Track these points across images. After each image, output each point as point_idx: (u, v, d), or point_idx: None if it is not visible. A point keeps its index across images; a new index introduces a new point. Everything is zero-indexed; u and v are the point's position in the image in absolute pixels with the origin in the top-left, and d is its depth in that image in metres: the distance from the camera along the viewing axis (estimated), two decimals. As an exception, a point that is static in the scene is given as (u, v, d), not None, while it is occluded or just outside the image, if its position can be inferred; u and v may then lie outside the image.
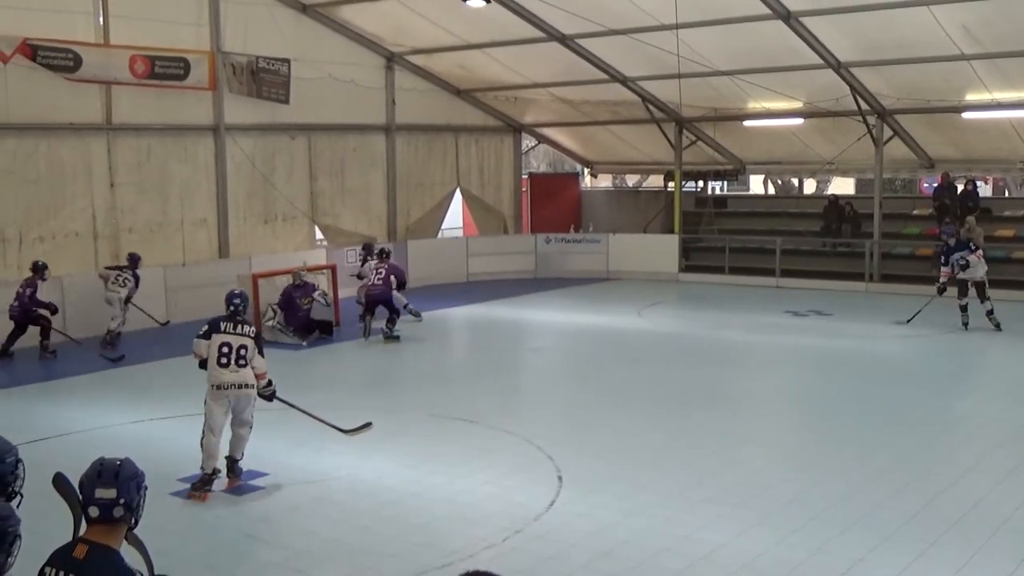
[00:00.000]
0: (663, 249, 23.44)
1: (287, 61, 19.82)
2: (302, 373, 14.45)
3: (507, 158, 25.82)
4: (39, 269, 15.20)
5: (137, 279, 16.34)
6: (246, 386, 8.81)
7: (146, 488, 3.99)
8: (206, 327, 8.88)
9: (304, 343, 15.82)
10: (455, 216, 27.50)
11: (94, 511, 3.84)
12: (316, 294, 16.48)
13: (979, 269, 15.89)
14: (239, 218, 19.90)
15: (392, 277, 16.11)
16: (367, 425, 10.02)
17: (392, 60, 22.40)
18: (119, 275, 16.23)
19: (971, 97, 19.31)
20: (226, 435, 9.03)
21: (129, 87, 17.71)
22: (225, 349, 8.74)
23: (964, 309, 16.04)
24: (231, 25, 19.21)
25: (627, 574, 7.05)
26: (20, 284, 15.13)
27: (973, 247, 15.96)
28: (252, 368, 8.82)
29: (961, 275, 15.92)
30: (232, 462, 9.04)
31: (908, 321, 15.87)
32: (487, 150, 25.28)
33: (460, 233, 28.14)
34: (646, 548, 7.48)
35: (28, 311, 14.94)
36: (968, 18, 16.43)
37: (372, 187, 22.64)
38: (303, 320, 16.23)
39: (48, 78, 16.61)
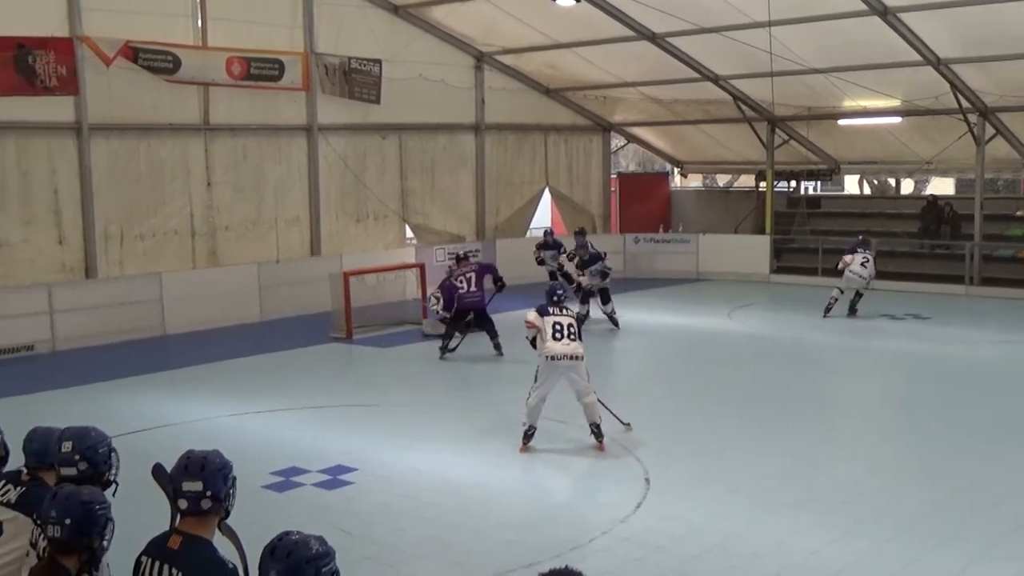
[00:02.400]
0: (754, 250, 23.12)
1: (378, 62, 20.07)
2: (390, 370, 14.61)
3: (596, 157, 25.75)
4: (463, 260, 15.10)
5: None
6: (577, 357, 9.82)
7: (235, 479, 4.03)
8: (539, 309, 10.20)
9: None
10: (544, 215, 27.48)
11: (183, 503, 3.92)
12: (429, 304, 15.73)
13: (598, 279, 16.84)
14: (331, 217, 20.22)
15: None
16: (627, 425, 10.54)
17: (482, 60, 22.51)
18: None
19: (1080, 94, 18.63)
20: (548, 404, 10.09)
21: (226, 88, 18.13)
22: (558, 326, 9.93)
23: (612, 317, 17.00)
24: (324, 26, 19.52)
25: (716, 579, 6.97)
26: (459, 273, 14.69)
27: (604, 255, 17.23)
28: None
29: (601, 283, 16.96)
30: (595, 427, 9.98)
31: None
32: (576, 149, 25.24)
33: (548, 232, 28.12)
34: (737, 553, 7.39)
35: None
36: (1077, 12, 15.84)
37: (461, 186, 22.79)
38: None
39: (149, 80, 17.09)
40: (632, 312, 18.97)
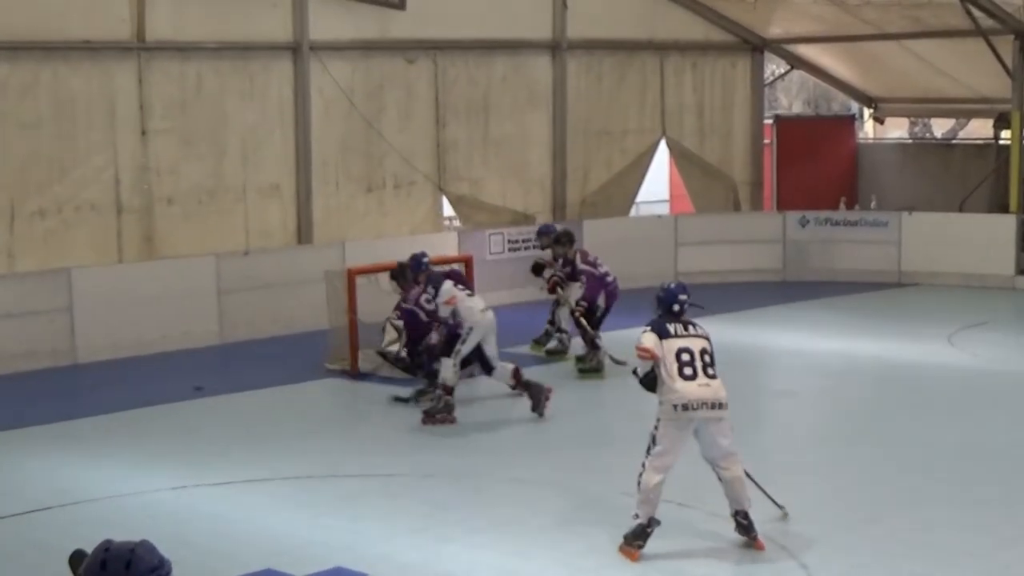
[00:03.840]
0: (991, 238, 22.79)
1: (404, -56, 20.24)
2: (419, 420, 14.67)
3: (741, 92, 25.58)
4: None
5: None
6: (720, 405, 9.62)
7: None
8: (648, 327, 9.88)
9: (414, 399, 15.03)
10: (658, 183, 27.37)
11: None
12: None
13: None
14: (328, 184, 20.37)
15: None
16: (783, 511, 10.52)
17: (564, -60, 22.59)
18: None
19: None
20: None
21: (171, -14, 18.43)
22: (686, 356, 9.66)
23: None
24: None
25: None
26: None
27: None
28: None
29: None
30: (741, 516, 9.79)
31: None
32: (710, 80, 25.10)
33: (666, 210, 27.97)
34: None
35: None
36: None
37: (530, 137, 22.80)
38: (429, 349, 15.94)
39: (55, -26, 17.42)
40: (795, 335, 18.80)
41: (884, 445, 13.23)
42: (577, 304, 16.33)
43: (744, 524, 9.77)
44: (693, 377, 9.57)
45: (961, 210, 24.41)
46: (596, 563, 9.68)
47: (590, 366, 16.25)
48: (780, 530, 10.21)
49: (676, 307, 9.98)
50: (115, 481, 11.92)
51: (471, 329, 14.03)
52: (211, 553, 9.77)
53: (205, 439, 13.60)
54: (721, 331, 19.00)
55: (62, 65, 17.85)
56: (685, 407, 9.50)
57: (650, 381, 9.71)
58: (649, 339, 9.72)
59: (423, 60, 21.29)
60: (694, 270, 23.15)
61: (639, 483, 9.69)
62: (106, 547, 4.10)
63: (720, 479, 9.77)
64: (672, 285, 10.31)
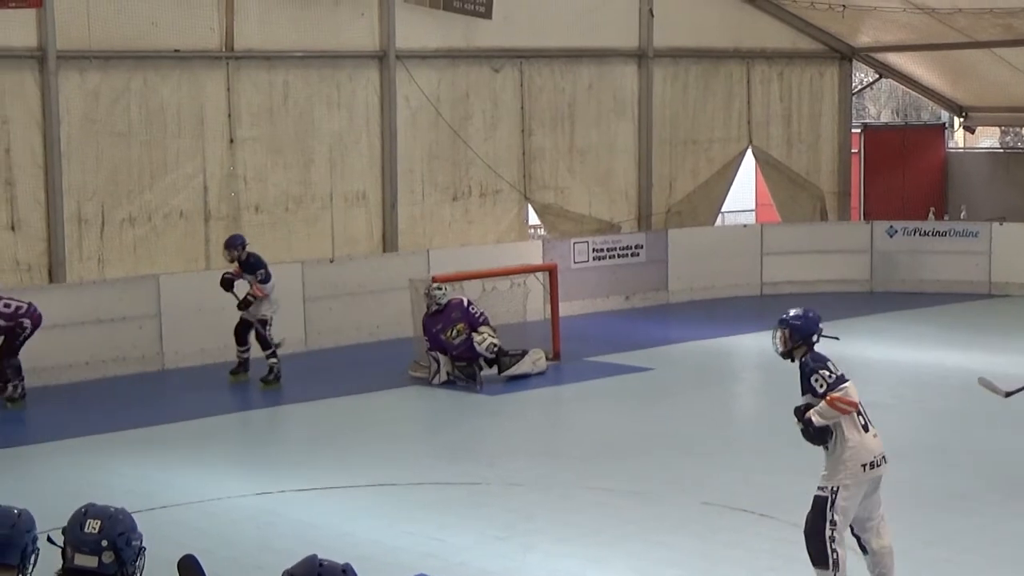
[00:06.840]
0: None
1: (491, -47, 20.29)
2: (503, 427, 14.67)
3: (829, 101, 25.39)
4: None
5: None
6: (886, 460, 8.58)
7: None
8: (827, 365, 8.66)
9: (478, 386, 15.99)
10: (744, 192, 27.23)
11: None
12: (481, 340, 16.25)
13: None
14: (414, 192, 20.44)
15: None
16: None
17: (650, -51, 22.55)
18: None
19: None
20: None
21: (259, -5, 18.61)
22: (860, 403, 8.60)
23: None
24: (409, -100, 19.82)
25: None
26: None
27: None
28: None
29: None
30: None
31: None
32: (797, 88, 24.94)
33: (751, 219, 27.80)
34: None
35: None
36: None
37: (616, 146, 22.76)
38: (464, 355, 16.33)
39: (146, -16, 17.62)
40: (883, 347, 18.64)
41: (973, 457, 13.12)
42: None
43: None
44: (867, 428, 8.53)
45: (1053, 220, 24.14)
46: (677, 573, 9.65)
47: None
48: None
49: (816, 338, 8.88)
50: (201, 486, 12.05)
51: None
52: (295, 558, 9.76)
53: (290, 445, 13.74)
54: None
55: (152, 74, 18.05)
56: (873, 464, 8.44)
57: (824, 432, 8.50)
58: (854, 389, 8.46)
59: (509, 68, 21.33)
60: (780, 280, 23.05)
61: (832, 563, 8.38)
62: (320, 563, 4.20)
63: (867, 548, 8.63)
64: (808, 312, 9.13)
